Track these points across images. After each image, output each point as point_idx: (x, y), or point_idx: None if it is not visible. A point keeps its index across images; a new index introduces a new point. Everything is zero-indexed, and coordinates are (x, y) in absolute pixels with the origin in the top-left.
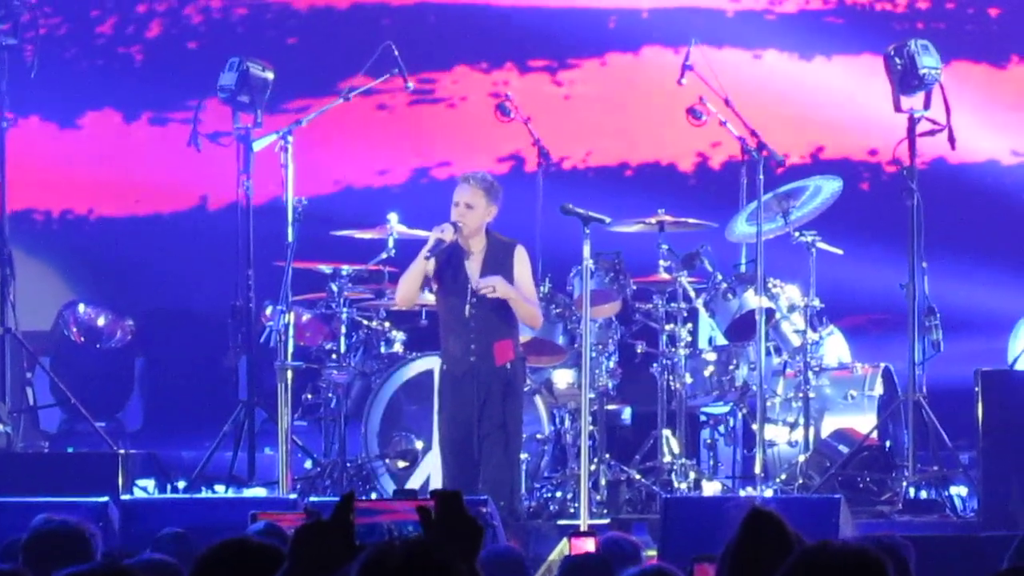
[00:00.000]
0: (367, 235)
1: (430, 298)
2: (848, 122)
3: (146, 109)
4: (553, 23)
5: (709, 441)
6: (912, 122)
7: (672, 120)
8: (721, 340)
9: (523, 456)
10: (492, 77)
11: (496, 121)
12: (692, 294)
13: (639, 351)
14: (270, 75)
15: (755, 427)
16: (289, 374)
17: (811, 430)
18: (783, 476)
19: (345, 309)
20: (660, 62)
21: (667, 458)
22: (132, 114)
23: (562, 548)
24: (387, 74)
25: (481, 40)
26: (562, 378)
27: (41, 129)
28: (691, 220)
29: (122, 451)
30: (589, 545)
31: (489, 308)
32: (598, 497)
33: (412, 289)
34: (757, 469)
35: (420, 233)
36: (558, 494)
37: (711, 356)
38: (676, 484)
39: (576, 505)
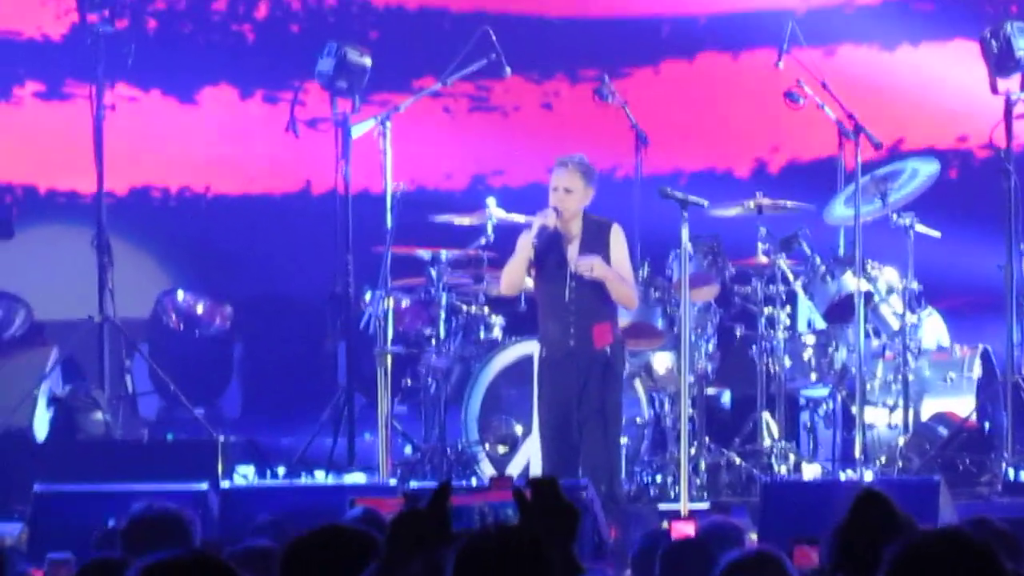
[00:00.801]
0: (466, 220)
1: (530, 283)
2: (934, 109)
3: (260, 87)
4: (604, 33)
5: (809, 424)
6: (1009, 104)
7: (728, 125)
8: (820, 323)
9: (623, 440)
10: (543, 87)
11: (545, 131)
12: (791, 277)
13: (738, 334)
14: (368, 61)
15: (854, 410)
16: (388, 359)
17: (910, 412)
18: (883, 459)
19: (444, 294)
20: (716, 67)
21: (767, 441)
22: (247, 91)
23: None
24: (484, 60)
25: (534, 50)
26: (661, 362)
27: (163, 103)
28: (789, 203)
29: (221, 438)
30: (689, 529)
31: (588, 292)
32: (698, 481)
33: (518, 275)
34: (857, 452)
35: (518, 218)
36: (658, 478)
37: (810, 339)
38: (776, 467)
39: (676, 489)
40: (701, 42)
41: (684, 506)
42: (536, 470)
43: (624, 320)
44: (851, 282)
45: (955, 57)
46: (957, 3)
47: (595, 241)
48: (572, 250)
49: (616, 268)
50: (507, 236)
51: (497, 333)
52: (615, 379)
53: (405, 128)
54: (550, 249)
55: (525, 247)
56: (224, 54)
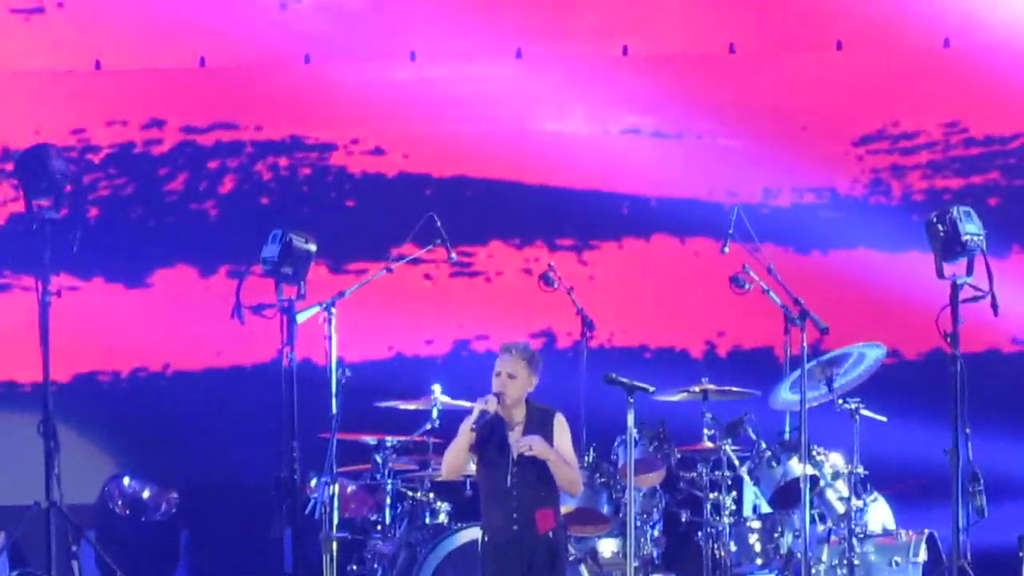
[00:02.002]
0: (411, 406)
1: (473, 468)
2: (874, 304)
3: (224, 262)
4: (577, 204)
5: None
6: (955, 288)
7: (682, 305)
8: (766, 508)
9: None
10: (524, 253)
11: (529, 296)
12: (736, 462)
13: (684, 519)
14: (312, 247)
15: None
16: (334, 545)
17: None
18: None
19: (390, 480)
20: (668, 248)
21: None
22: (209, 268)
23: None
24: (431, 244)
25: (514, 216)
26: (607, 547)
27: (106, 290)
28: (735, 388)
29: None
30: None
31: (530, 477)
32: None
33: (459, 460)
34: None
35: (464, 403)
36: None
37: (756, 524)
38: None
39: None
40: (654, 223)
41: None
42: None
43: (569, 505)
44: (797, 467)
45: (867, 261)
46: (859, 211)
47: (539, 428)
48: (515, 436)
49: (559, 452)
50: (453, 422)
51: (443, 518)
52: (560, 563)
53: (382, 295)
54: (491, 435)
55: (465, 432)
56: (180, 235)
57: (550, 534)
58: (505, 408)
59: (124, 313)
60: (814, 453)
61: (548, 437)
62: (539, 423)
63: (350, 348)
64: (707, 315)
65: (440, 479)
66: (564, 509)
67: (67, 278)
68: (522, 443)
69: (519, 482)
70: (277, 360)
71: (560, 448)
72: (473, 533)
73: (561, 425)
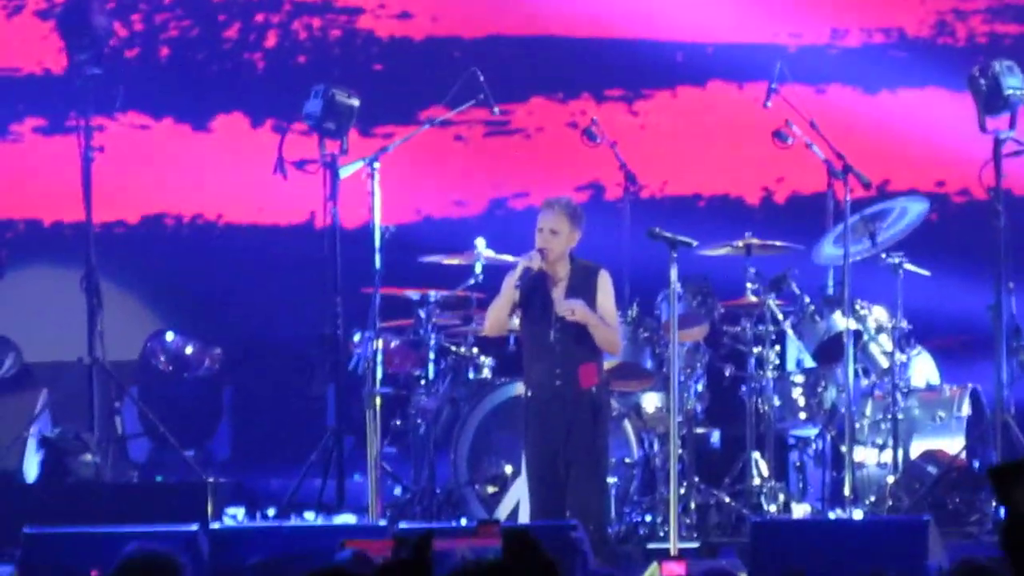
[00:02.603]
0: (454, 261)
1: (516, 324)
2: (920, 152)
3: (270, 115)
4: (628, 54)
5: (798, 464)
6: (997, 143)
7: (738, 153)
8: (809, 362)
9: (611, 480)
10: (569, 107)
11: (573, 150)
12: (780, 317)
13: (727, 374)
14: (355, 102)
15: (843, 449)
16: (378, 401)
17: (900, 451)
18: (872, 498)
19: (433, 336)
20: (725, 96)
21: (756, 481)
22: (258, 119)
23: (652, 572)
24: (472, 100)
25: (557, 71)
26: (650, 402)
27: (175, 130)
28: (778, 243)
29: (211, 480)
30: (679, 569)
31: (573, 333)
32: (687, 521)
33: (502, 317)
34: (846, 491)
35: (507, 258)
36: (647, 518)
37: (799, 379)
38: (766, 507)
39: (666, 529)
40: (710, 70)
41: (674, 546)
42: (525, 511)
43: (612, 361)
44: (840, 321)
45: (931, 103)
46: (928, 52)
47: (581, 285)
48: (558, 292)
49: (601, 313)
50: (496, 277)
51: (486, 374)
52: (602, 419)
53: (408, 161)
54: (535, 291)
55: (509, 289)
56: (236, 82)
57: (593, 390)
58: (548, 264)
59: (189, 156)
60: (857, 307)
61: (591, 294)
62: (582, 280)
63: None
64: (765, 162)
65: (484, 335)
66: (607, 365)
67: (139, 116)
68: (564, 307)
69: (562, 338)
70: (311, 221)
71: (602, 307)
72: (517, 388)
73: (604, 283)
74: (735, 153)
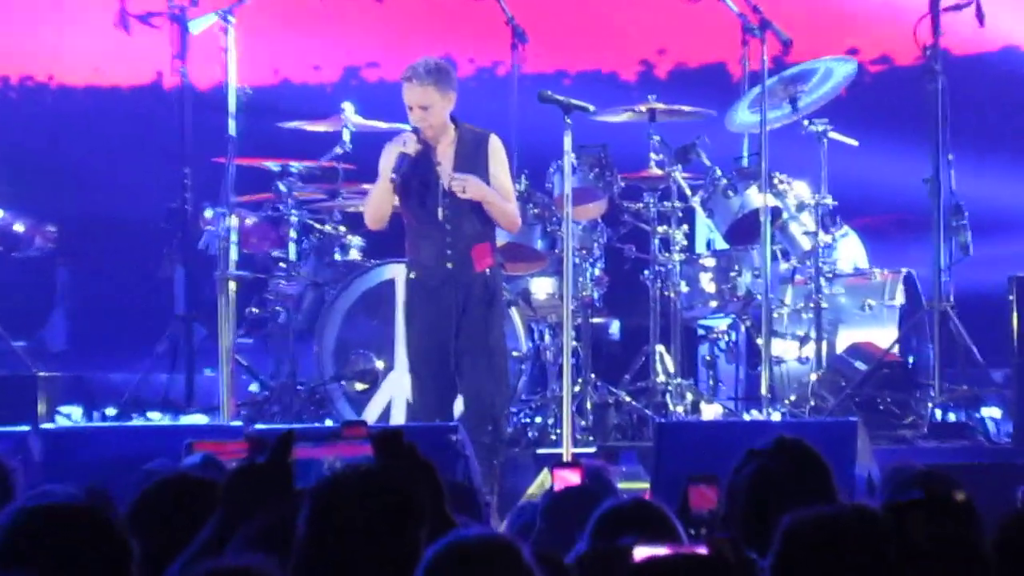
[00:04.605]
0: (319, 127)
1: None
2: (821, 19)
3: None
4: None
5: (708, 358)
6: None
7: (609, 22)
8: (721, 244)
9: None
10: None
11: (430, 13)
12: (688, 192)
13: (628, 256)
14: None
15: (760, 342)
16: (232, 285)
17: (824, 345)
18: (792, 397)
19: (295, 211)
20: None
21: (661, 378)
22: None
23: (543, 481)
24: None
25: None
26: (541, 287)
27: None
28: (686, 108)
29: (43, 373)
30: (574, 478)
31: (465, 209)
32: (583, 423)
33: (383, 211)
34: (763, 389)
35: (379, 125)
36: (538, 419)
37: (710, 262)
38: (671, 407)
39: (558, 432)
40: None
41: (567, 451)
42: (400, 410)
43: (499, 241)
44: (756, 197)
45: None
46: None
47: (471, 155)
48: (444, 163)
49: (495, 186)
50: (366, 145)
51: (355, 255)
52: (497, 305)
53: (267, 15)
54: (418, 166)
55: (385, 181)
56: None
57: (487, 272)
58: (429, 137)
59: (14, 6)
60: (776, 181)
61: (482, 164)
62: (471, 149)
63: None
64: (643, 31)
65: (352, 211)
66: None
67: None
68: (455, 183)
69: (452, 216)
70: (158, 82)
71: (496, 179)
72: (390, 271)
73: (497, 151)
74: (607, 20)
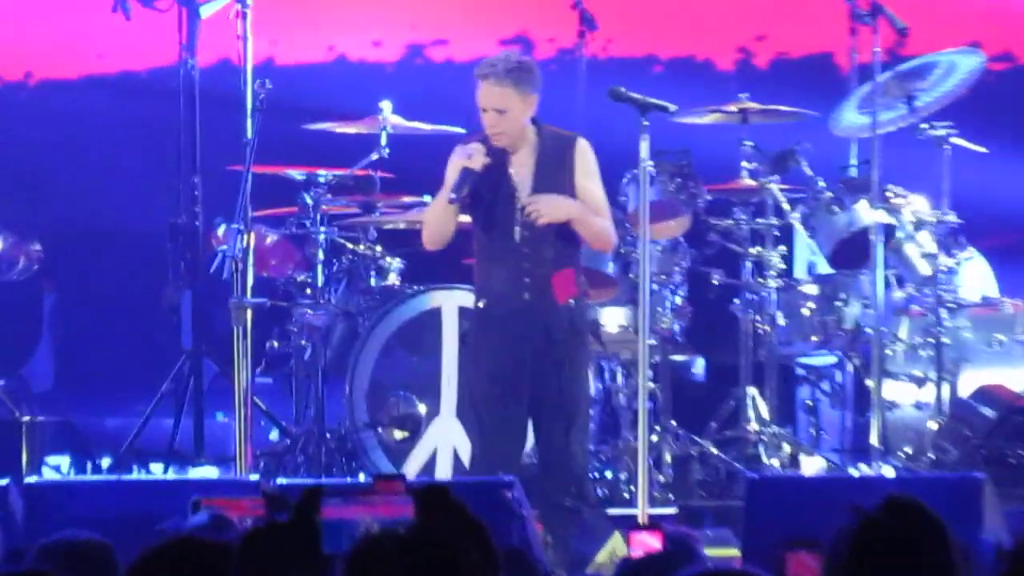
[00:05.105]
0: (352, 129)
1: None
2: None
3: None
4: None
5: (809, 403)
6: None
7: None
8: (825, 268)
9: None
10: None
11: None
12: (786, 207)
13: (715, 282)
14: None
15: (870, 384)
16: (248, 315)
17: (945, 388)
18: (908, 449)
19: (323, 228)
20: None
21: (753, 426)
22: None
23: (614, 548)
24: None
25: None
26: (612, 319)
27: None
28: (783, 108)
29: (27, 418)
30: (655, 543)
31: (546, 229)
32: (661, 478)
33: (445, 231)
34: (873, 440)
35: (421, 127)
36: (608, 474)
37: (811, 289)
38: (765, 460)
39: (632, 488)
40: None
41: (643, 511)
42: (446, 462)
43: None
44: (866, 213)
45: None
46: None
47: (554, 163)
48: (523, 174)
49: (584, 199)
50: (406, 150)
51: (393, 280)
52: (582, 344)
53: None
54: (491, 176)
55: (443, 199)
56: None
57: (571, 303)
58: (505, 144)
59: None
60: (889, 195)
61: (567, 173)
62: (555, 155)
63: (282, 47)
64: (741, 14)
65: (390, 227)
66: None
67: None
68: (531, 208)
69: (530, 236)
70: (162, 75)
71: (585, 191)
72: (435, 299)
73: (585, 157)
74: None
